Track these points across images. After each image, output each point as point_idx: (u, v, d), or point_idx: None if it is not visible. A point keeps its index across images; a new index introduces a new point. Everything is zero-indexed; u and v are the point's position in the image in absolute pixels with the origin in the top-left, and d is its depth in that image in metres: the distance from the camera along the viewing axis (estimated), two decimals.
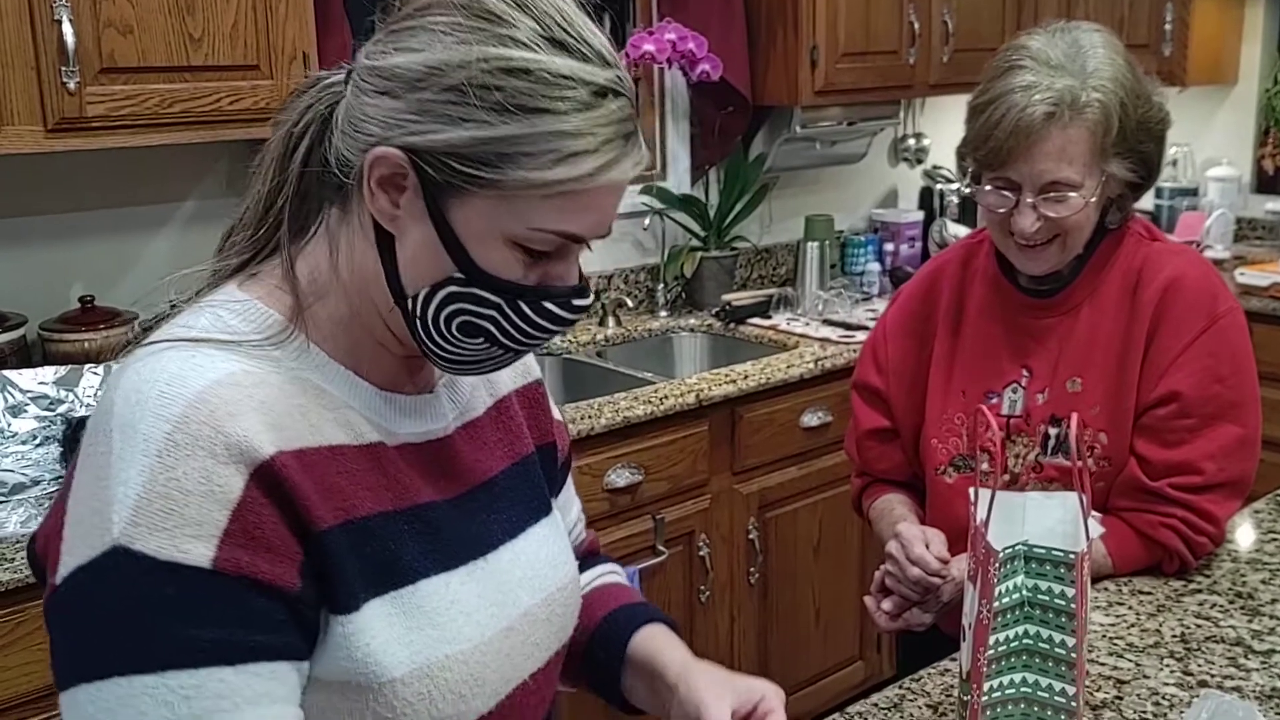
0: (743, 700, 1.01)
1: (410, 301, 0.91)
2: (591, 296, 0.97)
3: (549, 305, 0.90)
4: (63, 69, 1.93)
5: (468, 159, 0.85)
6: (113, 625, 0.81)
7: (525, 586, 1.02)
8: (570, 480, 1.22)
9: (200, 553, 0.81)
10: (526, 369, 1.15)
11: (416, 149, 0.86)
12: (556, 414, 1.19)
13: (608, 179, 0.87)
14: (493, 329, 0.90)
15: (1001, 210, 1.54)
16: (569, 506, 1.22)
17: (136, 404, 0.84)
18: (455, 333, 0.91)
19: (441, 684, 0.91)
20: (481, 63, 0.84)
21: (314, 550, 0.86)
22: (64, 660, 0.84)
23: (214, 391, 0.84)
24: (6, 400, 2.01)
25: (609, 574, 1.24)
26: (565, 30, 0.86)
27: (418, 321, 0.91)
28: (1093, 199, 1.51)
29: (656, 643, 1.11)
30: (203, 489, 0.82)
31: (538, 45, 0.85)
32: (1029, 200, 1.50)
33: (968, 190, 1.62)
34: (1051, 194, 1.50)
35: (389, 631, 0.89)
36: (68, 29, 1.91)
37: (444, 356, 0.93)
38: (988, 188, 1.54)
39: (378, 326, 0.94)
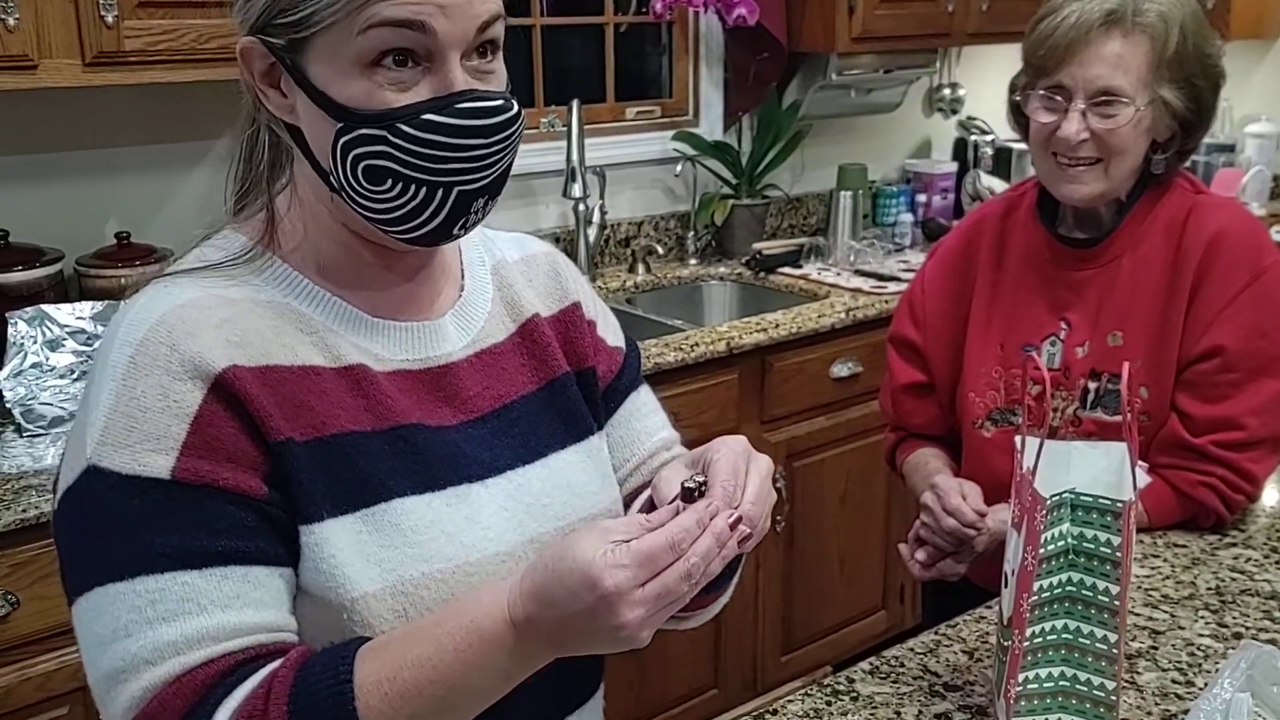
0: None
1: (330, 177, 0.92)
2: (499, 101, 0.90)
3: (430, 117, 0.88)
4: (101, 2, 1.92)
5: (283, 10, 0.87)
6: (92, 541, 0.86)
7: (534, 513, 1.00)
8: (644, 412, 1.16)
9: (160, 464, 0.85)
10: (562, 293, 1.12)
11: (259, 28, 0.89)
12: (612, 339, 1.15)
13: None
14: (392, 165, 0.89)
15: (1049, 120, 1.53)
16: (636, 438, 1.15)
17: (111, 337, 0.90)
18: (366, 184, 0.90)
19: (418, 602, 0.91)
20: None
21: (274, 460, 0.89)
22: (65, 578, 0.89)
23: (174, 314, 0.89)
24: (45, 335, 2.02)
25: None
26: None
27: (343, 193, 0.92)
28: (1144, 110, 1.50)
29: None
30: (161, 404, 0.86)
31: None
32: (1079, 106, 1.50)
33: (1017, 99, 1.60)
34: (1102, 100, 1.49)
35: (358, 548, 0.90)
36: None
37: (385, 219, 0.92)
38: (1041, 92, 1.54)
39: (342, 233, 0.96)
